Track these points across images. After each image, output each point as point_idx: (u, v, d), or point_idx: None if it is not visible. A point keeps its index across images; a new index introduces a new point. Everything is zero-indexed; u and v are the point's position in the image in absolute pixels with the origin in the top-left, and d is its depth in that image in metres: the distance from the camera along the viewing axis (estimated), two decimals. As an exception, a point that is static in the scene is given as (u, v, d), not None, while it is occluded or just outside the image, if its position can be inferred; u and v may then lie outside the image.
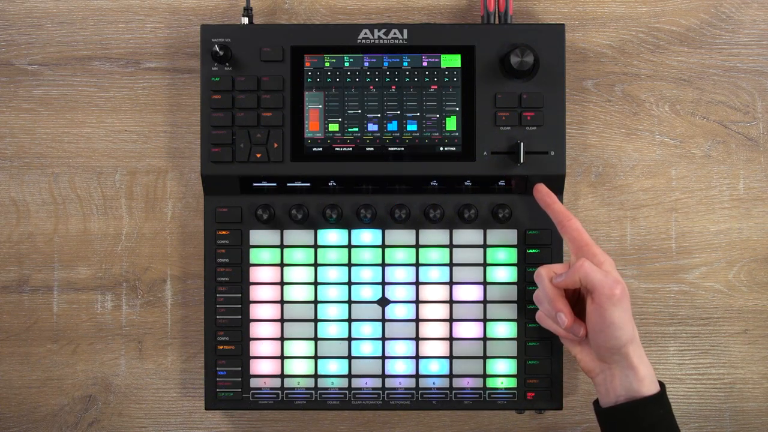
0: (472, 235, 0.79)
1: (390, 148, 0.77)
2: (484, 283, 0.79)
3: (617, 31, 0.83)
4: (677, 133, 0.83)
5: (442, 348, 0.79)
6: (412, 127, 0.77)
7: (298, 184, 0.78)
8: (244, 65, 0.77)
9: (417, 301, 0.79)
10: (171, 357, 0.84)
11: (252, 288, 0.79)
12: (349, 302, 0.79)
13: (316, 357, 0.79)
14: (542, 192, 0.76)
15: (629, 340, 0.68)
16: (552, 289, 0.71)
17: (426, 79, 0.77)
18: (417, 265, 0.79)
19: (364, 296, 0.79)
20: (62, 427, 0.84)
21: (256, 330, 0.79)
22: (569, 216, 0.73)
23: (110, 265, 0.83)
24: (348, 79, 0.77)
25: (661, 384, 0.70)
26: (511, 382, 0.79)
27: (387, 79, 0.77)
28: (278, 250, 0.79)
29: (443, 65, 0.77)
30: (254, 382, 0.79)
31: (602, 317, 0.68)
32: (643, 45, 0.83)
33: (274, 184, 0.78)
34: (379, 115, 0.77)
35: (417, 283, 0.79)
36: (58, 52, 0.83)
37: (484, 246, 0.79)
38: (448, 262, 0.79)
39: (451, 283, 0.79)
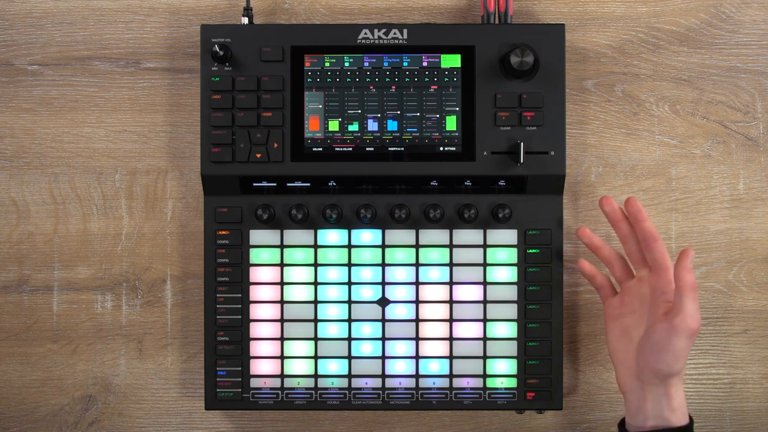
0: (472, 235, 0.79)
1: (390, 148, 0.77)
2: (484, 283, 0.79)
3: (617, 31, 0.83)
4: (677, 133, 0.83)
5: (442, 348, 0.79)
6: (412, 127, 0.77)
7: (298, 184, 0.78)
8: (244, 65, 0.77)
9: (417, 301, 0.79)
10: (171, 357, 0.84)
11: (252, 288, 0.79)
12: (349, 302, 0.79)
13: (316, 357, 0.79)
14: (635, 207, 0.73)
15: (678, 371, 0.68)
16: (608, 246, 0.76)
17: (426, 79, 0.77)
18: (417, 265, 0.79)
19: (364, 296, 0.79)
20: (62, 427, 0.84)
21: (256, 330, 0.79)
22: (657, 237, 0.72)
23: (110, 265, 0.83)
24: (348, 79, 0.77)
25: (690, 417, 0.70)
26: (511, 382, 0.79)
27: (387, 79, 0.77)
28: (278, 250, 0.79)
29: (443, 65, 0.77)
30: (254, 382, 0.79)
31: (669, 341, 0.67)
32: (643, 45, 0.83)
33: (274, 184, 0.78)
34: (379, 115, 0.77)
35: (417, 283, 0.79)
36: (58, 52, 0.83)
37: (484, 246, 0.79)
38: (448, 262, 0.79)
39: (451, 283, 0.79)
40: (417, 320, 0.79)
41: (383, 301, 0.79)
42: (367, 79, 0.77)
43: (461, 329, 0.79)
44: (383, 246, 0.79)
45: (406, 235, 0.79)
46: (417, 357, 0.79)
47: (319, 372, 0.79)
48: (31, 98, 0.83)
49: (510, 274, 0.79)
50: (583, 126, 0.83)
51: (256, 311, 0.79)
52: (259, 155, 0.77)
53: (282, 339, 0.79)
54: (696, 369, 0.84)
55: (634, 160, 0.83)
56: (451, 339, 0.79)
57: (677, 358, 0.67)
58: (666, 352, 0.67)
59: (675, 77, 0.83)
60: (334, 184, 0.78)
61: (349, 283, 0.79)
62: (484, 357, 0.79)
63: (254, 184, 0.78)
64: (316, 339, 0.79)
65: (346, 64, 0.77)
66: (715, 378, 0.84)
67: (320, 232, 0.79)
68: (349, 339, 0.79)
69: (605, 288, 0.77)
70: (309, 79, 0.77)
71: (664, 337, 0.67)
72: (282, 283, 0.79)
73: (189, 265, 0.83)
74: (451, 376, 0.79)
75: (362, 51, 0.77)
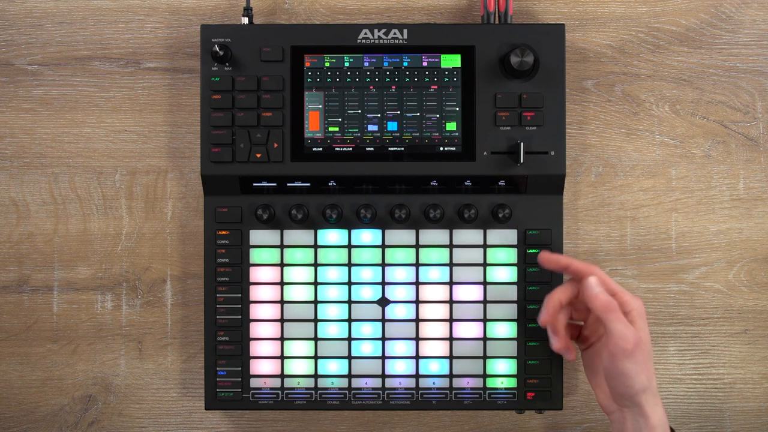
0: (472, 235, 0.79)
1: (390, 148, 0.77)
2: (484, 283, 0.79)
3: (617, 31, 0.83)
4: (677, 133, 0.83)
5: (442, 348, 0.79)
6: (412, 127, 0.77)
7: (298, 184, 0.78)
8: (244, 65, 0.76)
9: (417, 301, 0.79)
10: (171, 357, 0.83)
11: (252, 288, 0.79)
12: (349, 302, 0.79)
13: (316, 357, 0.79)
14: (551, 258, 0.74)
15: (641, 389, 0.68)
16: (552, 300, 0.73)
17: (426, 79, 0.77)
18: (417, 265, 0.79)
19: (364, 296, 0.79)
20: (62, 427, 0.83)
21: (256, 330, 0.79)
22: (591, 268, 0.72)
23: (110, 265, 0.83)
24: (348, 79, 0.77)
25: (672, 431, 0.71)
26: (511, 382, 0.79)
27: (387, 79, 0.77)
28: (278, 250, 0.79)
29: (443, 65, 0.77)
30: (254, 382, 0.79)
31: (614, 365, 0.68)
32: (643, 45, 0.83)
33: (274, 184, 0.78)
34: (379, 115, 0.77)
35: (417, 283, 0.79)
36: (58, 52, 0.82)
37: (484, 246, 0.79)
38: (448, 262, 0.79)
39: (451, 283, 0.79)
40: (417, 320, 0.79)
41: (383, 301, 0.79)
42: (367, 79, 0.77)
43: (461, 329, 0.79)
44: (383, 246, 0.79)
45: (406, 235, 0.79)
46: (417, 357, 0.79)
47: (319, 372, 0.79)
48: (31, 98, 0.82)
49: (510, 274, 0.79)
50: (583, 126, 0.83)
51: (256, 311, 0.79)
52: (259, 155, 0.76)
53: (282, 339, 0.79)
54: (696, 369, 0.84)
55: (634, 160, 0.83)
56: (451, 339, 0.79)
57: (630, 378, 0.68)
58: (616, 376, 0.68)
59: (675, 77, 0.83)
60: (334, 184, 0.78)
61: (349, 283, 0.79)
62: (484, 357, 0.79)
63: (254, 184, 0.78)
64: (316, 339, 0.79)
65: (346, 64, 0.77)
66: (715, 378, 0.84)
67: (320, 232, 0.79)
68: (349, 339, 0.79)
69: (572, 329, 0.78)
70: (309, 79, 0.77)
71: (608, 363, 0.69)
72: (282, 283, 0.79)
73: (189, 265, 0.83)
74: (451, 376, 0.79)
75: (362, 51, 0.77)
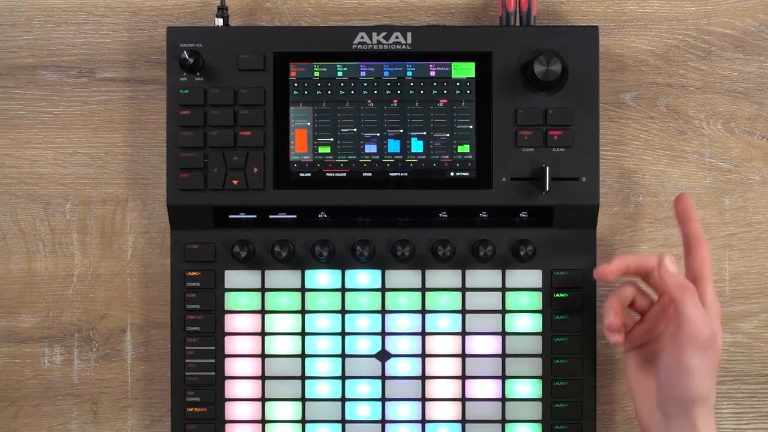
0: (488, 277, 0.75)
1: (391, 174, 0.74)
2: (503, 334, 0.75)
3: (660, 34, 0.79)
4: (731, 156, 0.79)
5: (453, 410, 0.75)
6: (417, 148, 0.74)
7: (283, 216, 0.75)
8: (218, 75, 0.74)
9: (423, 355, 0.75)
10: (131, 421, 0.79)
11: (228, 339, 0.75)
12: (343, 356, 0.76)
13: (303, 421, 0.75)
14: (686, 205, 0.72)
15: (700, 397, 0.65)
16: (613, 303, 0.71)
17: (434, 92, 0.74)
18: (423, 312, 0.76)
19: (360, 349, 0.75)
20: (2, 507, 0.80)
21: (233, 389, 0.75)
22: (702, 241, 0.70)
23: (59, 312, 0.79)
24: (341, 92, 0.74)
25: None
26: (535, 452, 0.77)
27: (388, 92, 0.74)
28: (259, 294, 0.76)
29: (454, 75, 0.74)
30: (230, 452, 0.77)
31: (679, 359, 0.65)
32: (691, 51, 0.79)
33: (254, 216, 0.75)
34: (378, 135, 0.74)
35: (423, 334, 0.76)
36: (-3, 60, 0.81)
37: (503, 289, 0.75)
38: (460, 308, 0.75)
39: (463, 333, 0.75)
40: (423, 377, 0.75)
41: (383, 355, 0.75)
42: (365, 92, 0.74)
43: (476, 388, 0.75)
44: (383, 289, 0.76)
45: (409, 277, 0.76)
46: (423, 421, 0.75)
47: (308, 439, 0.77)
48: (-34, 114, 0.81)
49: (533, 322, 0.75)
50: (620, 147, 0.79)
51: (233, 367, 0.75)
52: (235, 182, 0.74)
53: (263, 400, 0.75)
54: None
55: (680, 187, 0.79)
56: (463, 400, 0.75)
57: (694, 378, 0.65)
58: (679, 373, 0.66)
59: (729, 89, 0.79)
60: (325, 216, 0.75)
61: (343, 334, 0.76)
62: (503, 421, 0.75)
63: (230, 216, 0.75)
64: (303, 400, 0.75)
65: (339, 74, 0.74)
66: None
67: (308, 273, 0.76)
68: (343, 400, 0.75)
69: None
70: (295, 92, 0.74)
71: (673, 357, 0.66)
72: (263, 334, 0.75)
73: (153, 313, 0.79)
74: (464, 444, 0.77)
75: (358, 58, 0.74)
